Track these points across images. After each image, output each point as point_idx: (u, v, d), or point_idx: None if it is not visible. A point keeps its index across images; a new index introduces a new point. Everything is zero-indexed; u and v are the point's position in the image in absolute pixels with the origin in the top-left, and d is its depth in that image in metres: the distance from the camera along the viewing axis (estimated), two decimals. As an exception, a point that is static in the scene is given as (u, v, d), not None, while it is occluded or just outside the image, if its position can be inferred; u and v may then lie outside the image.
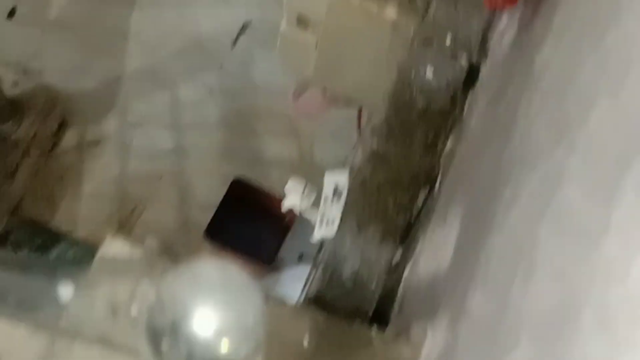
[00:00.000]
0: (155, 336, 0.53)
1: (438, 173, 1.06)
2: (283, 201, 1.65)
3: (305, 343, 0.77)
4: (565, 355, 0.42)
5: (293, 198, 1.71)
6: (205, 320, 0.52)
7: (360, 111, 1.45)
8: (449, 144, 1.07)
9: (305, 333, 0.77)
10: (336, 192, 1.06)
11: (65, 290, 0.56)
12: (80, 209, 2.26)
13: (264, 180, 2.33)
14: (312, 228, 1.62)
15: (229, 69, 2.46)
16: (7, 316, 0.62)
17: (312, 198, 1.73)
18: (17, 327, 0.96)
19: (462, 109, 1.08)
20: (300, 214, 1.65)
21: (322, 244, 1.36)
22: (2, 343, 0.99)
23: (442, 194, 1.02)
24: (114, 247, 0.74)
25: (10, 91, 2.18)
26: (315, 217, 1.61)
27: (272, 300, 0.80)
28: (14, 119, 2.15)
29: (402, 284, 1.02)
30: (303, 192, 1.64)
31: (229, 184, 2.29)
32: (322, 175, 1.99)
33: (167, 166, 2.33)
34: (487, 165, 0.84)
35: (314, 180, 1.83)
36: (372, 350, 0.77)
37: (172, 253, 0.58)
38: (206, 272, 0.54)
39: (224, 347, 0.52)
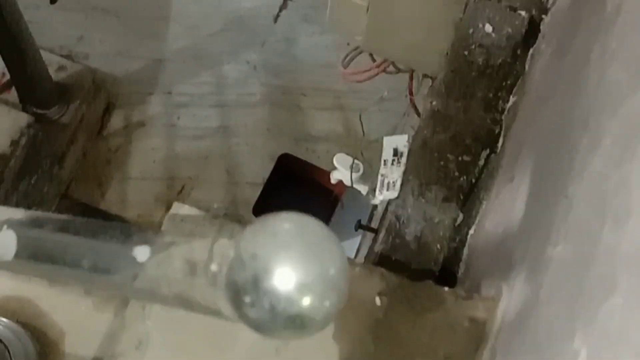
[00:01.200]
0: (236, 293, 0.52)
1: (501, 131, 1.03)
2: (331, 174, 1.64)
3: (378, 301, 0.75)
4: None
5: (342, 170, 1.70)
6: (287, 274, 0.51)
7: (411, 76, 1.43)
8: (511, 100, 1.04)
9: (376, 292, 0.76)
10: (396, 153, 1.04)
11: (141, 252, 0.55)
12: (128, 191, 2.28)
13: (311, 155, 2.32)
14: (362, 200, 1.61)
15: (271, 45, 2.45)
16: (82, 281, 0.61)
17: (361, 170, 1.72)
18: (84, 300, 0.96)
19: (524, 64, 1.05)
20: (349, 186, 1.64)
21: (376, 209, 1.34)
22: (67, 317, 0.99)
23: (506, 152, 1.00)
24: (182, 210, 0.74)
25: (56, 76, 2.19)
26: (364, 188, 1.60)
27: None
28: (60, 103, 2.16)
29: (467, 245, 0.99)
30: (352, 164, 1.63)
31: (275, 160, 2.29)
32: (370, 148, 1.97)
33: (214, 145, 2.34)
34: (557, 118, 0.82)
35: (362, 153, 1.81)
36: (445, 308, 0.75)
37: (238, 217, 0.56)
38: (285, 225, 0.52)
39: (307, 300, 0.51)
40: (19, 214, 0.63)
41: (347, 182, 1.62)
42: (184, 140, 2.35)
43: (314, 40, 2.47)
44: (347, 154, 1.71)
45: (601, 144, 0.63)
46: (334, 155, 1.73)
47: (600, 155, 0.62)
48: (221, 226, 0.56)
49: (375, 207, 1.70)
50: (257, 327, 0.52)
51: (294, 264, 0.51)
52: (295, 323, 0.52)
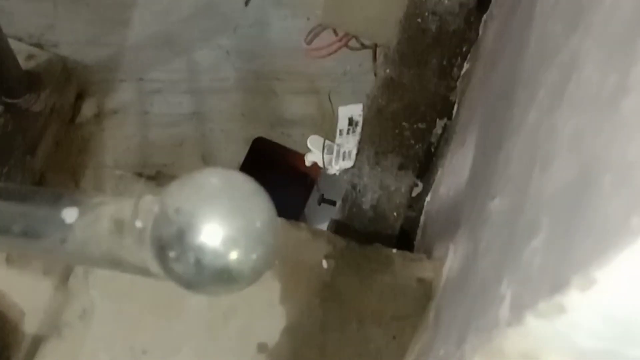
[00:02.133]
0: (161, 249, 0.51)
1: (455, 99, 1.03)
2: (306, 156, 1.63)
3: (325, 265, 0.75)
4: (587, 222, 0.40)
5: (315, 152, 1.69)
6: (211, 228, 0.50)
7: (375, 50, 1.42)
8: (465, 66, 1.04)
9: (323, 255, 0.75)
10: (351, 123, 1.04)
11: (70, 213, 0.55)
12: (103, 179, 2.26)
13: (286, 139, 2.31)
14: (336, 181, 1.61)
15: (243, 30, 2.43)
16: (14, 246, 0.60)
17: (334, 151, 1.71)
18: (43, 280, 0.96)
19: (477, 30, 1.05)
20: (324, 168, 1.63)
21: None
22: (26, 297, 0.98)
23: (460, 118, 0.99)
24: (118, 173, 0.73)
25: (25, 64, 2.17)
26: (329, 169, 1.60)
27: (289, 223, 0.78)
28: (31, 92, 2.14)
29: (423, 213, 0.99)
30: (323, 145, 1.62)
31: (250, 144, 2.28)
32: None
33: (188, 131, 2.32)
34: (504, 80, 0.82)
35: (333, 134, 1.80)
36: (392, 269, 0.75)
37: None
38: (210, 179, 0.52)
39: (233, 254, 0.50)
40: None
41: (321, 164, 1.61)
42: (157, 127, 2.34)
43: (287, 24, 2.45)
44: (321, 136, 1.70)
45: (537, 96, 0.63)
46: (308, 138, 1.72)
47: (534, 107, 0.62)
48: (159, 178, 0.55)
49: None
50: (185, 283, 0.52)
51: (218, 217, 0.50)
52: (223, 277, 0.51)
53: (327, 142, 1.60)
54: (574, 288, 0.38)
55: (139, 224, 0.52)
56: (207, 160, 2.30)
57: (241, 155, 2.28)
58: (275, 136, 2.33)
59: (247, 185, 0.52)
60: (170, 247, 0.50)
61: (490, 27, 1.01)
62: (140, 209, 0.52)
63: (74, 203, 0.56)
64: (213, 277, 0.51)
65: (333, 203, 1.28)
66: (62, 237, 0.55)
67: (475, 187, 0.76)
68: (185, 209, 0.50)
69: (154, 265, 0.52)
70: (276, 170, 2.32)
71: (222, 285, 0.52)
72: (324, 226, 1.99)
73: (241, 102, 2.36)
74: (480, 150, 0.79)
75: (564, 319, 0.41)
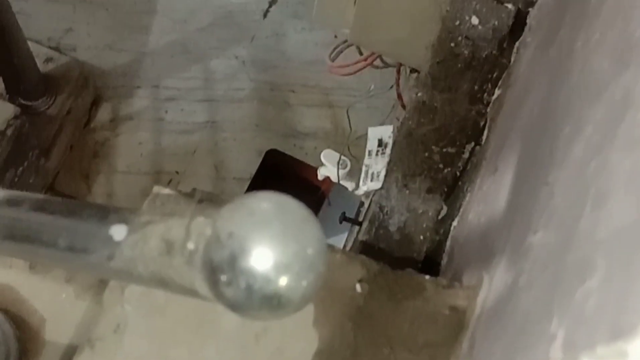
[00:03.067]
0: (212, 272, 0.51)
1: (485, 123, 1.03)
2: (318, 170, 1.64)
3: (358, 289, 0.75)
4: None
5: (329, 167, 1.69)
6: (264, 253, 0.50)
7: (398, 70, 1.42)
8: (496, 92, 1.04)
9: (357, 279, 0.75)
10: (381, 144, 1.04)
11: (118, 231, 0.55)
12: (115, 184, 2.27)
13: (298, 151, 2.32)
14: (349, 196, 1.61)
15: (260, 41, 2.45)
16: (58, 260, 0.60)
17: (348, 166, 1.72)
18: (65, 288, 0.96)
19: (510, 57, 1.05)
20: (336, 182, 1.63)
21: (363, 201, 1.34)
22: (48, 304, 0.98)
23: (490, 144, 1.00)
24: (162, 192, 0.73)
25: (43, 67, 2.18)
26: (351, 185, 1.60)
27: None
28: (47, 95, 2.15)
29: (450, 237, 0.99)
30: (339, 161, 1.63)
31: (262, 155, 2.29)
32: (357, 144, 1.97)
33: (201, 140, 2.33)
34: (540, 108, 0.82)
35: (349, 150, 1.81)
36: (425, 296, 0.75)
37: (219, 200, 0.56)
38: (263, 204, 0.52)
39: (284, 280, 0.50)
40: (-5, 193, 0.62)
41: (334, 179, 1.61)
42: (171, 134, 2.35)
43: (303, 36, 2.47)
44: (335, 150, 1.70)
45: (582, 131, 0.63)
46: (321, 151, 1.73)
47: (580, 142, 0.62)
48: (199, 206, 0.56)
49: (362, 203, 1.70)
50: (233, 306, 0.52)
51: (271, 242, 0.50)
52: (272, 303, 0.51)
53: (342, 157, 1.60)
54: (640, 335, 0.38)
55: (190, 246, 0.52)
56: (219, 169, 2.31)
57: (253, 165, 2.28)
58: (288, 148, 2.34)
59: (299, 211, 0.52)
60: (221, 270, 0.50)
61: (523, 55, 1.01)
62: (192, 231, 0.52)
63: (122, 220, 0.56)
64: (262, 302, 0.51)
65: (355, 222, 1.28)
66: (110, 254, 0.55)
67: (510, 217, 0.76)
68: (238, 233, 0.50)
69: (203, 288, 0.52)
70: (287, 183, 2.33)
71: (270, 310, 0.52)
72: (334, 241, 1.99)
73: (255, 113, 2.37)
74: (516, 180, 0.79)
75: (625, 364, 0.41)
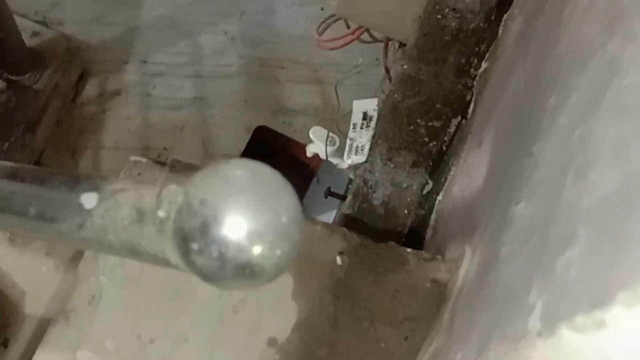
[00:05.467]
0: (183, 240, 0.50)
1: (472, 97, 1.02)
2: (307, 147, 1.62)
3: (338, 261, 0.74)
4: (635, 236, 0.39)
5: (317, 143, 1.68)
6: (236, 222, 0.48)
7: (387, 45, 1.40)
8: (483, 66, 1.02)
9: (337, 251, 0.74)
10: (365, 117, 1.02)
11: (89, 199, 0.53)
12: (102, 160, 2.25)
13: (287, 128, 2.30)
14: (337, 173, 1.59)
15: (250, 15, 2.42)
16: (29, 229, 0.59)
17: (337, 143, 1.70)
18: (45, 261, 0.95)
19: (497, 29, 1.03)
20: (324, 159, 1.62)
21: (352, 178, 1.33)
22: (28, 278, 0.97)
23: (476, 118, 0.98)
24: (140, 160, 0.72)
25: (30, 42, 2.15)
26: (340, 163, 1.59)
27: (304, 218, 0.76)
28: (34, 69, 2.13)
29: (434, 211, 0.98)
30: (327, 137, 1.61)
31: (251, 132, 2.27)
32: (346, 120, 1.95)
33: (189, 116, 2.31)
34: (526, 80, 0.80)
35: (337, 126, 1.79)
36: (407, 269, 0.74)
37: (195, 168, 0.54)
38: (236, 171, 0.50)
39: (257, 249, 0.49)
40: (-35, 161, 0.61)
41: (323, 156, 1.60)
42: (159, 110, 2.32)
43: (294, 11, 2.44)
44: (324, 127, 1.69)
45: (567, 101, 0.61)
46: (310, 128, 1.71)
47: (565, 111, 0.61)
48: (172, 174, 0.54)
49: (350, 180, 1.68)
50: (206, 276, 0.50)
51: (244, 210, 0.49)
52: (245, 272, 0.50)
53: (330, 134, 1.58)
54: (619, 304, 0.37)
55: (161, 213, 0.50)
56: (207, 145, 2.29)
57: (242, 142, 2.26)
58: (277, 124, 2.32)
59: (274, 179, 0.51)
60: (193, 239, 0.49)
61: (511, 27, 0.99)
62: (163, 198, 0.51)
63: (93, 188, 0.54)
64: (235, 272, 0.50)
65: (340, 197, 1.26)
66: (80, 223, 0.54)
67: (494, 189, 0.75)
68: (210, 201, 0.49)
69: (174, 257, 0.51)
70: (276, 160, 2.31)
71: (243, 280, 0.50)
72: (323, 218, 1.98)
73: (244, 89, 2.35)
74: (500, 151, 0.78)
75: (603, 335, 0.40)
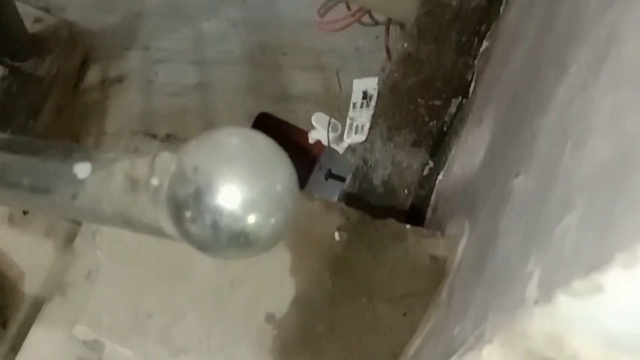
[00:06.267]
0: (177, 208, 0.49)
1: (473, 76, 1.01)
2: (309, 133, 1.62)
3: (337, 237, 0.73)
4: (631, 200, 0.38)
5: (320, 130, 1.67)
6: (230, 189, 0.48)
7: (388, 26, 1.39)
8: (484, 45, 1.01)
9: (335, 227, 0.74)
10: (365, 97, 1.01)
11: (82, 169, 0.53)
12: (104, 146, 2.24)
13: (290, 115, 2.29)
14: (339, 159, 1.59)
15: (252, 2, 2.41)
16: (23, 201, 0.59)
17: (339, 129, 1.69)
18: (44, 241, 0.94)
19: (499, 8, 1.02)
20: (328, 146, 1.61)
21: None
22: (27, 258, 0.97)
23: (477, 97, 0.97)
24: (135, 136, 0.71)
25: (32, 28, 2.15)
26: (341, 148, 1.58)
27: (302, 193, 0.76)
28: (36, 56, 2.12)
29: (434, 191, 0.98)
30: (329, 124, 1.61)
31: (253, 119, 2.26)
32: (348, 108, 1.94)
33: (191, 102, 2.30)
34: (527, 57, 0.80)
35: (339, 112, 1.78)
36: (406, 246, 0.73)
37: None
38: (231, 138, 0.50)
39: (252, 217, 0.48)
40: (-40, 133, 0.60)
41: (325, 142, 1.59)
42: (161, 96, 2.32)
43: (296, -3, 2.43)
44: (326, 113, 1.68)
45: (567, 73, 0.61)
46: (312, 114, 1.70)
47: (564, 84, 0.60)
48: (164, 143, 0.53)
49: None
50: (199, 244, 0.50)
51: (238, 178, 0.48)
52: (239, 241, 0.49)
53: (332, 120, 1.58)
54: (617, 266, 0.37)
55: (154, 182, 0.50)
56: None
57: (244, 127, 2.25)
58: (279, 111, 2.31)
59: (268, 146, 0.51)
60: (186, 207, 0.49)
61: (513, 5, 0.99)
62: (157, 166, 0.50)
63: (86, 158, 0.54)
64: (229, 240, 0.49)
65: (340, 179, 1.26)
66: (73, 193, 0.53)
67: (493, 166, 0.74)
68: (204, 168, 0.48)
69: (168, 226, 0.50)
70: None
71: (238, 249, 0.50)
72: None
73: (246, 75, 2.34)
74: (500, 128, 0.77)
75: (600, 299, 0.39)
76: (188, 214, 0.48)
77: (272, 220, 0.49)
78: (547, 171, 0.54)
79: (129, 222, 0.52)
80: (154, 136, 0.63)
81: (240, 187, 0.48)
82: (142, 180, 0.51)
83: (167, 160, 0.50)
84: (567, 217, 0.46)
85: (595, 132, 0.48)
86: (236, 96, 2.32)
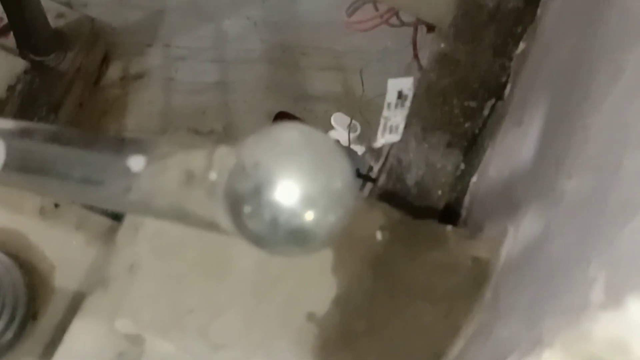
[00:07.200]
0: (235, 203, 0.49)
1: (508, 78, 1.00)
2: (329, 134, 1.61)
3: (378, 236, 0.73)
4: None
5: (339, 130, 1.67)
6: (291, 185, 0.48)
7: (416, 27, 1.39)
8: (520, 47, 1.01)
9: (377, 226, 0.73)
10: (400, 97, 1.01)
11: (136, 162, 0.52)
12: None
13: (309, 115, 2.29)
14: (358, 160, 1.59)
15: (273, 1, 2.41)
16: (73, 193, 0.58)
17: (358, 130, 1.69)
18: (75, 234, 0.94)
19: (536, 10, 1.02)
20: (346, 146, 1.61)
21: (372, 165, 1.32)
22: (57, 251, 0.96)
23: (513, 99, 0.97)
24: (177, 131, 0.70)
25: (54, 23, 2.15)
26: (361, 149, 1.58)
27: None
28: (58, 51, 2.13)
29: (468, 193, 0.97)
30: (349, 124, 1.60)
31: (272, 118, 2.26)
32: (369, 108, 1.94)
33: (211, 100, 2.31)
34: (571, 57, 0.79)
35: (360, 113, 1.78)
36: (447, 247, 0.73)
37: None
38: (291, 133, 0.49)
39: (311, 214, 0.48)
40: (8, 124, 0.60)
41: (344, 143, 1.59)
42: (181, 94, 2.32)
43: (317, -2, 2.43)
44: (345, 114, 1.68)
45: (622, 75, 0.60)
46: (331, 115, 1.70)
47: (620, 85, 0.59)
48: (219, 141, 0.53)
49: (371, 167, 1.67)
50: (257, 240, 0.49)
51: (299, 174, 0.48)
52: (297, 237, 0.49)
53: (353, 121, 1.58)
54: (697, 269, 0.36)
55: (212, 175, 0.50)
56: (228, 130, 2.28)
57: (262, 126, 2.25)
58: (298, 111, 2.31)
59: (327, 142, 0.50)
60: (245, 202, 0.48)
61: (550, 7, 0.98)
62: (215, 160, 0.50)
63: (140, 151, 0.53)
64: (287, 237, 0.49)
65: (369, 179, 1.26)
66: (127, 186, 0.53)
67: (538, 167, 0.74)
68: (264, 163, 0.48)
69: (224, 220, 0.50)
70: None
71: (295, 245, 0.49)
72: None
73: (266, 75, 2.34)
74: (545, 130, 0.77)
75: (675, 303, 0.39)
76: (247, 209, 0.48)
77: (332, 218, 0.49)
78: (607, 172, 0.54)
79: (183, 217, 0.52)
80: (196, 132, 0.63)
81: (300, 183, 0.48)
82: (199, 174, 0.50)
83: (225, 154, 0.50)
84: (636, 219, 0.45)
85: (660, 134, 0.48)
86: (256, 95, 2.32)
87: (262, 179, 0.48)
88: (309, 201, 0.48)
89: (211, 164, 0.50)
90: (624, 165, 0.51)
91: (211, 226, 0.51)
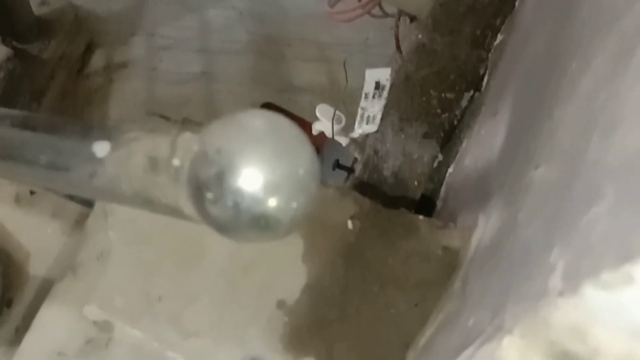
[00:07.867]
0: (198, 189, 0.49)
1: (486, 70, 1.01)
2: (313, 125, 1.61)
3: (350, 225, 0.73)
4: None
5: (323, 121, 1.66)
6: (253, 171, 0.47)
7: (399, 18, 1.39)
8: (498, 38, 1.01)
9: (349, 215, 0.73)
10: (378, 87, 1.01)
11: (101, 147, 0.52)
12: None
13: (293, 106, 2.29)
14: (342, 152, 1.58)
15: (258, -8, 2.40)
16: (40, 178, 0.58)
17: (343, 122, 1.68)
18: (50, 223, 0.94)
19: (514, 1, 1.02)
20: (330, 137, 1.61)
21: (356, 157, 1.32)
22: (33, 239, 0.96)
23: (490, 90, 0.97)
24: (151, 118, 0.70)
25: (38, 10, 2.14)
26: (345, 140, 1.57)
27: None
28: (41, 38, 2.11)
29: (444, 183, 0.97)
30: (334, 116, 1.60)
31: (258, 108, 2.25)
32: (353, 99, 1.93)
33: (195, 91, 2.29)
34: (545, 47, 0.79)
35: (344, 105, 1.78)
36: (418, 236, 0.73)
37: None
38: (254, 120, 0.49)
39: (273, 200, 0.48)
40: (-24, 109, 0.60)
41: (329, 134, 1.58)
42: (165, 84, 2.31)
43: (302, -11, 2.42)
44: (330, 105, 1.67)
45: (592, 64, 0.60)
46: (316, 106, 1.69)
47: (590, 75, 0.59)
48: (184, 125, 0.53)
49: (356, 159, 1.67)
50: (220, 226, 0.49)
51: (261, 160, 0.48)
52: (260, 223, 0.48)
53: (337, 112, 1.57)
54: (650, 257, 0.36)
55: (176, 162, 0.49)
56: (212, 120, 2.27)
57: (247, 119, 2.24)
58: (283, 102, 2.30)
59: (291, 130, 0.50)
60: (208, 188, 0.48)
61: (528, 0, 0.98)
62: (178, 146, 0.50)
63: (106, 136, 0.53)
64: (249, 223, 0.48)
65: (348, 169, 1.25)
66: (92, 172, 0.53)
67: (509, 157, 0.74)
68: (227, 149, 0.47)
69: (188, 206, 0.49)
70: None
71: (258, 232, 0.49)
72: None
73: (251, 66, 2.33)
74: (516, 120, 0.77)
75: (630, 291, 0.39)
76: (209, 195, 0.48)
77: (294, 204, 0.49)
78: (571, 161, 0.54)
79: (147, 202, 0.52)
80: (167, 118, 0.62)
81: (262, 169, 0.48)
82: (163, 160, 0.50)
83: (189, 140, 0.50)
84: (595, 207, 0.45)
85: (625, 122, 0.48)
86: (240, 86, 2.31)
87: (225, 165, 0.47)
88: (271, 188, 0.48)
89: (175, 150, 0.50)
90: (588, 154, 0.51)
91: (176, 212, 0.51)
